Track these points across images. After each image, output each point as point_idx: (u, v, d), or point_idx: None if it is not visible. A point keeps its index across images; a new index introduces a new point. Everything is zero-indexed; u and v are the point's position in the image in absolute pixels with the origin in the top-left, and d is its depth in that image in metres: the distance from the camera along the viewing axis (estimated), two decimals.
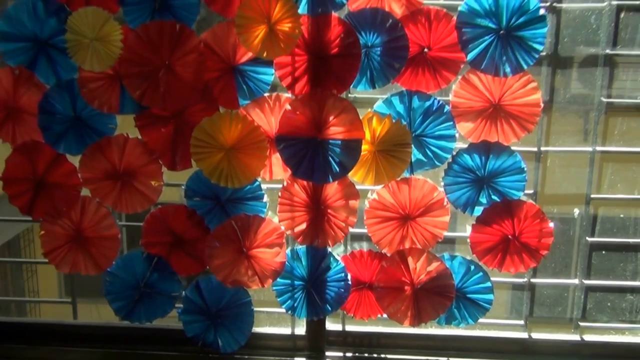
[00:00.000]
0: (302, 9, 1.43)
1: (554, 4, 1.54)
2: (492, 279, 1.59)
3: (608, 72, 1.54)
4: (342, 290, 1.62)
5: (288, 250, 1.60)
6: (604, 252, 1.68)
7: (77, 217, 1.60)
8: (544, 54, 1.48)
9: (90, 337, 1.81)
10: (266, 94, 1.51)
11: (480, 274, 1.60)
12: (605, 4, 1.56)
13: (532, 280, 1.71)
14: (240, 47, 1.46)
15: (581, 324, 1.73)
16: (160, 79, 1.47)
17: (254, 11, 1.41)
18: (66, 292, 4.43)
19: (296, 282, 1.62)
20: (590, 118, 1.54)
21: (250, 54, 1.47)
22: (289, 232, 1.58)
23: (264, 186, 1.58)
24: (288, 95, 1.52)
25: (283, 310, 1.64)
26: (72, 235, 1.60)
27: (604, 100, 1.58)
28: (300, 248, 1.61)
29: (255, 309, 1.65)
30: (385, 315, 1.63)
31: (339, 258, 1.61)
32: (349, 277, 1.61)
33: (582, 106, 1.64)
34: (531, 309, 1.70)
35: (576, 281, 1.73)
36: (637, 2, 1.54)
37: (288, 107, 1.48)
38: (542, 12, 1.41)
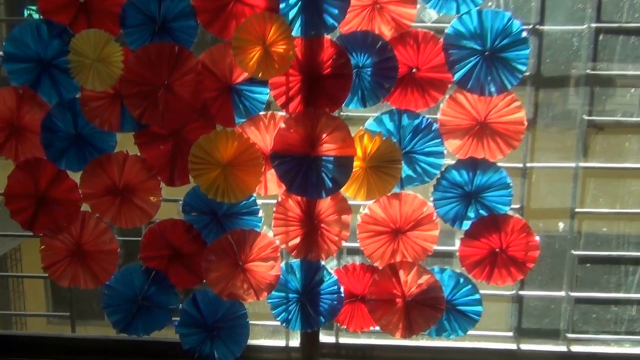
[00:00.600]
0: (296, 31, 1.50)
1: (536, 27, 1.62)
2: (481, 291, 1.65)
3: (589, 91, 1.63)
4: (335, 302, 1.67)
5: (283, 264, 1.65)
6: (588, 265, 1.74)
7: (77, 231, 1.65)
8: (527, 74, 1.55)
9: (89, 350, 1.86)
10: (261, 113, 1.57)
11: (469, 286, 1.66)
12: (585, 26, 1.65)
13: (520, 292, 1.78)
14: (237, 67, 1.53)
15: (568, 335, 1.79)
16: (159, 98, 1.53)
17: (249, 33, 1.48)
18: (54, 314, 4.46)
19: (290, 295, 1.67)
20: (572, 134, 1.61)
21: (246, 74, 1.53)
22: (283, 246, 1.63)
23: (259, 201, 1.64)
24: (282, 113, 1.57)
25: (278, 322, 1.70)
26: (71, 249, 1.65)
27: (586, 117, 1.66)
28: (295, 262, 1.66)
29: (251, 321, 1.71)
30: (377, 328, 1.69)
31: (332, 271, 1.66)
32: (342, 290, 1.66)
33: (565, 123, 1.71)
34: (520, 321, 1.76)
35: (563, 293, 1.79)
36: (615, 25, 1.62)
37: (282, 125, 1.54)
38: (524, 34, 1.49)
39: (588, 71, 1.62)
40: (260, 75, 1.50)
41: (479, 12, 1.47)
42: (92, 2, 1.52)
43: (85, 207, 1.64)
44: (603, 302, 1.86)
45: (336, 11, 1.48)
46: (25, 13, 1.70)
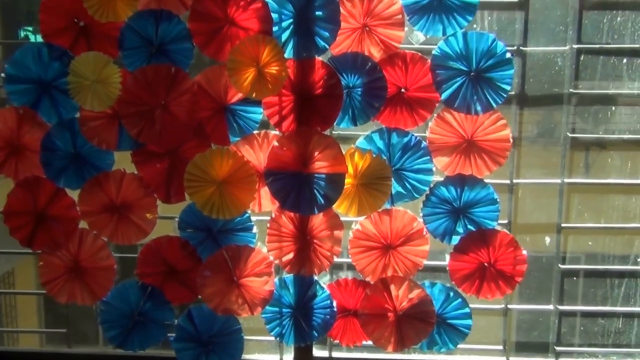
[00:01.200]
0: (289, 53, 1.55)
1: (520, 48, 1.69)
2: (471, 305, 1.69)
3: (572, 109, 1.69)
4: (328, 317, 1.71)
5: (276, 279, 1.69)
6: (575, 278, 1.79)
7: (74, 248, 1.67)
8: (512, 93, 1.60)
9: None
10: (255, 132, 1.62)
11: (459, 300, 1.69)
12: (567, 47, 1.71)
13: (509, 306, 1.82)
14: (231, 88, 1.58)
15: (557, 348, 1.83)
16: (156, 117, 1.58)
17: (244, 55, 1.54)
18: (47, 339, 4.44)
19: (284, 310, 1.71)
20: (556, 151, 1.68)
21: (240, 95, 1.58)
22: (277, 261, 1.66)
23: (253, 218, 1.67)
24: (276, 132, 1.62)
25: (272, 337, 1.74)
26: (69, 266, 1.68)
27: (569, 135, 1.72)
28: (288, 277, 1.69)
29: (245, 336, 1.74)
30: (369, 342, 1.73)
31: (324, 286, 1.70)
32: (335, 304, 1.69)
33: (549, 140, 1.78)
34: (509, 334, 1.80)
35: (551, 307, 1.84)
36: (596, 46, 1.69)
37: (276, 143, 1.58)
38: (508, 55, 1.55)
39: (571, 90, 1.69)
40: (254, 95, 1.55)
41: (464, 34, 1.53)
42: (91, 26, 1.57)
43: (83, 224, 1.68)
44: (590, 314, 1.91)
45: (327, 34, 1.54)
46: (22, 34, 1.76)
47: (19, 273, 5.26)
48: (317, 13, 1.53)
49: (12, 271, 5.37)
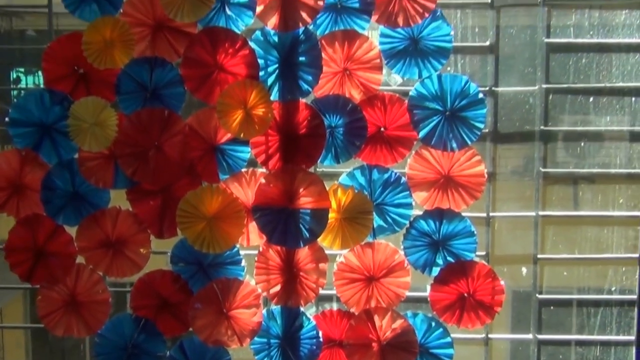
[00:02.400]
0: (274, 96, 1.59)
1: (492, 88, 1.76)
2: (452, 335, 1.72)
3: (543, 145, 1.75)
4: (315, 347, 1.72)
5: (264, 311, 1.71)
6: (552, 307, 1.82)
7: (71, 283, 1.68)
8: (485, 130, 1.63)
9: None
10: (243, 170, 1.65)
11: (441, 329, 1.69)
12: (536, 87, 1.78)
13: (490, 335, 1.85)
14: (221, 129, 1.63)
15: None
16: (150, 158, 1.61)
17: (232, 99, 1.59)
18: None
19: (272, 341, 1.71)
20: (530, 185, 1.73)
21: (229, 135, 1.61)
22: (265, 293, 1.66)
23: (242, 252, 1.68)
24: (263, 170, 1.64)
25: None
26: (66, 300, 1.68)
27: (542, 170, 1.78)
28: (276, 308, 1.68)
29: None
30: None
31: (311, 317, 1.74)
32: (321, 334, 1.69)
33: (522, 176, 1.83)
34: None
35: (530, 336, 1.86)
36: (564, 86, 1.76)
37: (263, 180, 1.61)
38: (480, 95, 1.62)
39: (542, 127, 1.75)
40: (242, 135, 1.59)
41: (439, 76, 1.57)
42: (90, 73, 1.61)
43: (79, 259, 1.69)
44: (568, 343, 1.92)
45: (310, 78, 1.58)
46: (14, 75, 1.83)
47: (7, 314, 5.18)
48: (300, 58, 1.57)
49: (0, 311, 5.31)
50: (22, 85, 1.65)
